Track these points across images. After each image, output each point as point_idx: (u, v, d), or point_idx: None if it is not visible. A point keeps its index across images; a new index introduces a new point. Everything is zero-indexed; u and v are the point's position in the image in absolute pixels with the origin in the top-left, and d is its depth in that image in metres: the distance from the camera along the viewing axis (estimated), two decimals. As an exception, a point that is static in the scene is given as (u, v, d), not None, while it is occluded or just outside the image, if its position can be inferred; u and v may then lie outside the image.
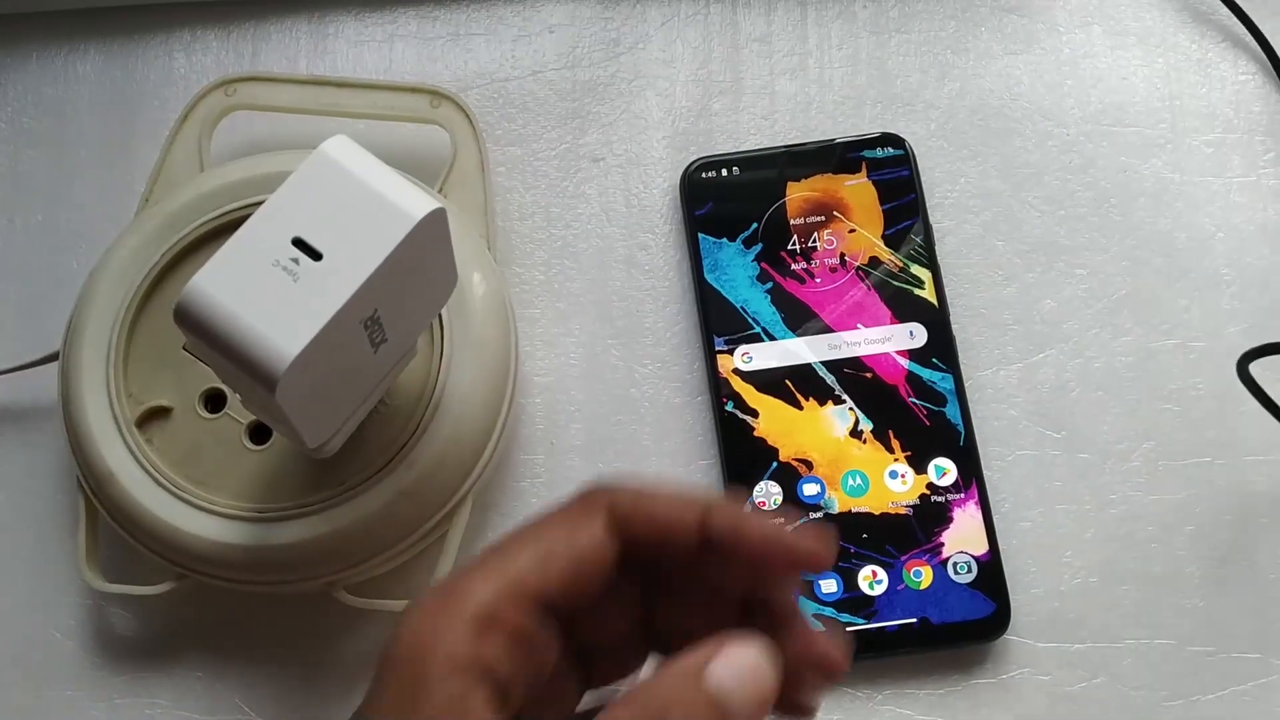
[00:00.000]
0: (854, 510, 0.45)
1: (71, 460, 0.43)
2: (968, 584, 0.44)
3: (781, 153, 0.50)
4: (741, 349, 0.47)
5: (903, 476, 0.45)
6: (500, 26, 0.53)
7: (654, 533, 0.29)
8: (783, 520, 0.29)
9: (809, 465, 0.45)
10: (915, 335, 0.47)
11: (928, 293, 0.47)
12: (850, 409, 0.46)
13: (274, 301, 0.31)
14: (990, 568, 0.44)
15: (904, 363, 0.46)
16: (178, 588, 0.42)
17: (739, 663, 0.27)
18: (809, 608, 0.43)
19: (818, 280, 0.47)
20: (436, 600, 0.27)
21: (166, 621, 0.45)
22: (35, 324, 0.48)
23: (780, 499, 0.45)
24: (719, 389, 0.46)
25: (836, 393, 0.46)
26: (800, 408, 0.46)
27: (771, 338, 0.47)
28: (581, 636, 0.31)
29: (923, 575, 0.44)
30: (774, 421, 0.46)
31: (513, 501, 0.46)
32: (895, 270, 0.47)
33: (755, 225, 0.48)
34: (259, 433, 0.42)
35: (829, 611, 0.43)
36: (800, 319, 0.47)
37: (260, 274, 0.32)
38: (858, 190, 0.49)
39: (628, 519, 0.29)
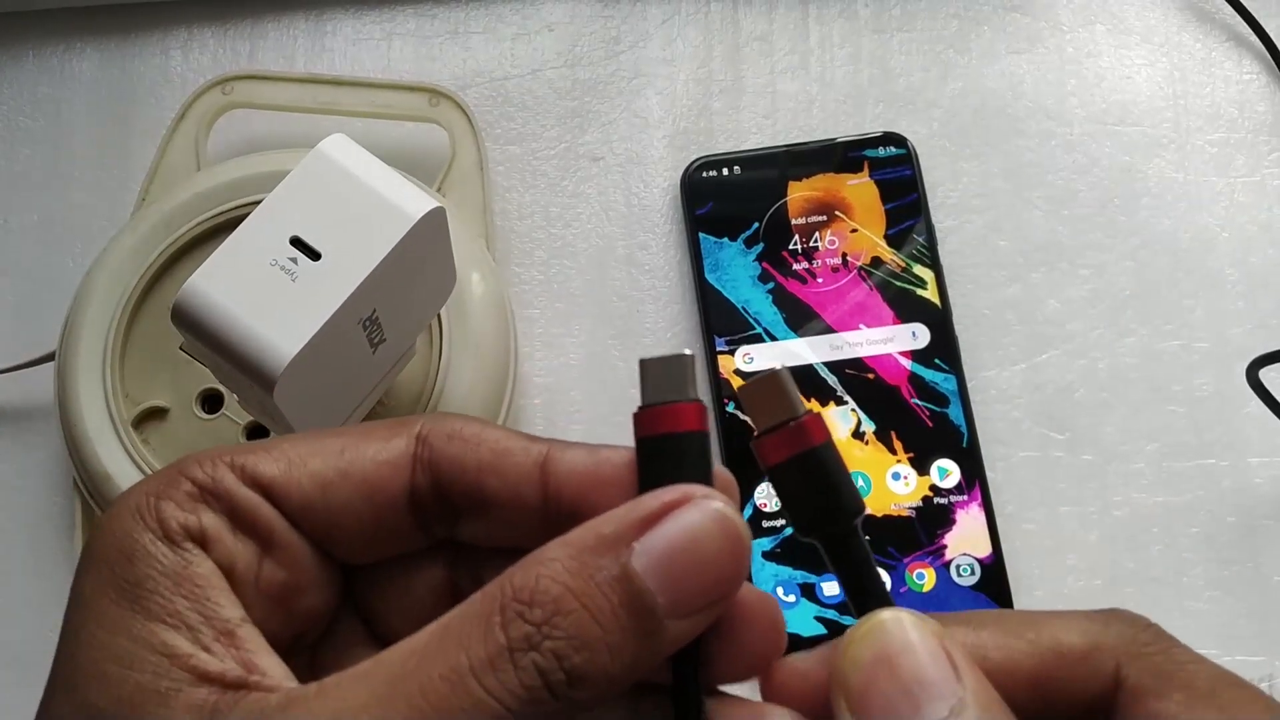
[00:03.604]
0: (856, 512, 0.44)
1: (68, 461, 0.43)
2: (971, 586, 0.43)
3: (783, 152, 0.49)
4: (743, 350, 0.46)
5: (905, 478, 0.45)
6: (499, 24, 0.52)
7: (471, 475, 0.23)
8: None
9: (811, 467, 0.45)
10: (918, 336, 0.46)
11: (930, 293, 0.47)
12: (852, 410, 0.45)
13: (272, 301, 0.31)
14: (993, 570, 0.43)
15: (906, 363, 0.46)
16: (174, 590, 0.42)
17: (683, 538, 0.21)
18: (810, 610, 0.43)
19: (819, 280, 0.47)
20: (147, 480, 0.23)
21: (163, 624, 0.45)
22: (31, 324, 0.48)
23: (782, 501, 0.44)
24: (720, 390, 0.46)
25: (838, 394, 0.46)
26: (802, 409, 0.46)
27: (773, 338, 0.46)
28: (372, 601, 0.25)
29: (925, 577, 0.43)
30: (775, 422, 0.45)
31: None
32: (898, 270, 0.47)
33: (756, 225, 0.48)
34: (257, 434, 0.42)
35: (831, 614, 0.43)
36: (802, 319, 0.47)
37: (258, 274, 0.31)
38: (860, 190, 0.48)
39: (442, 452, 0.24)
